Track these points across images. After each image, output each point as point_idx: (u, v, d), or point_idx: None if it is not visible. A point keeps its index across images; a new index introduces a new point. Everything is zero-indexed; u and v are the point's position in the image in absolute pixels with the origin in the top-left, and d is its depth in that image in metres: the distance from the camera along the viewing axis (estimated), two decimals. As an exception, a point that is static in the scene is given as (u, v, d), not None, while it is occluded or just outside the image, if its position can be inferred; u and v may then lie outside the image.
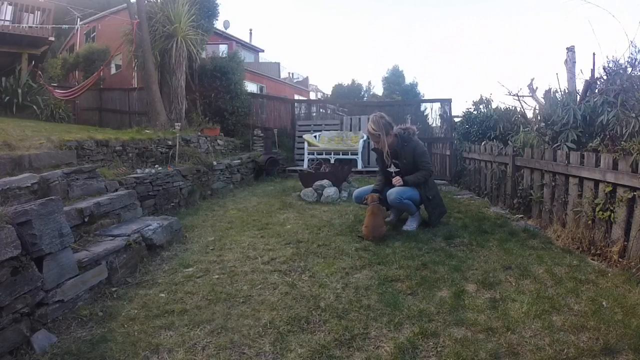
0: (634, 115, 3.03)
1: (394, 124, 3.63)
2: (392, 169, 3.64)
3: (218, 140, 7.61)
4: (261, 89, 17.74)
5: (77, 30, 15.28)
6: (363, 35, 71.89)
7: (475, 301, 2.13)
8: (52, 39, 9.71)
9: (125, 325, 1.97)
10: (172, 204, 4.67)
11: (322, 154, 7.43)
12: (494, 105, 6.46)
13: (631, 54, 3.81)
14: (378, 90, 26.85)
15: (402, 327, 1.89)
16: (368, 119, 8.75)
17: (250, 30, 36.77)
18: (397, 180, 3.55)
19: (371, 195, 3.47)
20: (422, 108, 9.44)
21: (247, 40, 21.07)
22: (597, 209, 2.90)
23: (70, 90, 9.98)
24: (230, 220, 4.07)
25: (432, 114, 8.83)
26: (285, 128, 9.38)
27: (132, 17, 8.19)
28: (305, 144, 7.66)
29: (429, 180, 3.64)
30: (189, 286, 2.42)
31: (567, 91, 4.64)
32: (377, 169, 3.80)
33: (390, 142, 3.56)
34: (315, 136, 8.15)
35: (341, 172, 5.53)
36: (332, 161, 7.04)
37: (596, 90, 4.03)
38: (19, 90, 8.03)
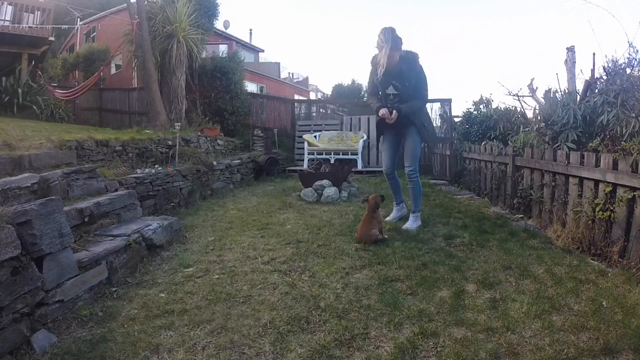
0: (634, 115, 3.03)
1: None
2: (391, 90, 3.39)
3: (218, 140, 7.61)
4: (261, 89, 17.74)
5: (77, 30, 15.27)
6: (363, 35, 71.88)
7: (475, 301, 2.13)
8: (52, 39, 9.71)
9: (125, 325, 1.97)
10: (172, 204, 4.66)
11: (322, 154, 7.43)
12: (494, 105, 6.46)
13: (629, 54, 3.82)
14: (378, 90, 26.79)
15: (402, 327, 1.89)
16: (368, 118, 8.75)
17: (250, 30, 36.66)
18: (387, 115, 3.35)
19: (373, 196, 3.42)
20: (422, 108, 9.44)
21: (247, 40, 21.07)
22: (597, 209, 2.90)
23: (70, 90, 9.98)
24: (230, 220, 4.06)
25: (432, 114, 8.83)
26: (285, 128, 9.38)
27: (132, 17, 8.19)
28: (305, 144, 7.66)
29: (424, 109, 3.59)
30: (189, 286, 2.42)
31: (567, 91, 4.64)
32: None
33: (395, 62, 3.25)
34: (315, 136, 8.16)
35: (341, 172, 5.52)
36: (332, 161, 7.04)
37: (596, 90, 4.03)
38: (19, 90, 8.03)
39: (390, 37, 3.15)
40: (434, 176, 7.45)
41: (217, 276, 2.56)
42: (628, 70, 3.80)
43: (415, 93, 3.36)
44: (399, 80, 3.31)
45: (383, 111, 3.36)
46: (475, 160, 5.74)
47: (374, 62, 3.40)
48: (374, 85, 3.53)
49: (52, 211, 2.08)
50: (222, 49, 13.58)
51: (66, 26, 13.38)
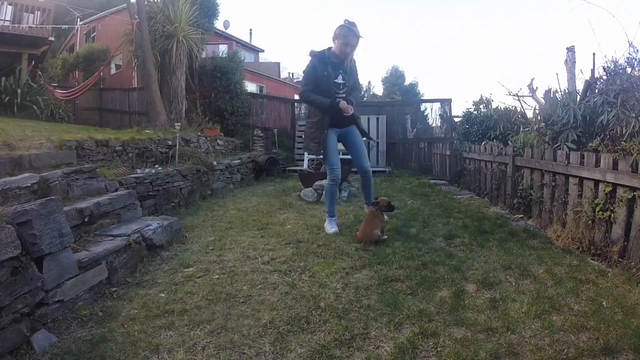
0: (634, 115, 3.03)
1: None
2: (340, 79, 3.30)
3: (218, 140, 7.61)
4: (261, 89, 17.73)
5: (77, 30, 15.27)
6: (363, 35, 71.76)
7: (475, 301, 2.13)
8: (52, 39, 9.72)
9: (125, 325, 1.97)
10: (172, 204, 4.66)
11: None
12: (494, 105, 6.48)
13: (630, 54, 3.82)
14: (378, 90, 26.84)
15: (402, 327, 1.89)
16: (368, 118, 8.72)
17: (250, 30, 36.55)
18: (349, 108, 3.22)
19: (384, 199, 3.39)
20: (422, 108, 9.46)
21: (247, 40, 21.05)
22: (597, 209, 2.90)
23: (70, 90, 9.98)
24: (230, 220, 4.06)
25: (432, 114, 8.85)
26: (285, 128, 9.38)
27: (132, 17, 8.19)
28: (305, 144, 7.65)
29: None
30: (189, 286, 2.42)
31: (567, 91, 4.64)
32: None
33: (346, 54, 3.25)
34: (315, 136, 8.14)
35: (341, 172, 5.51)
36: (332, 161, 7.02)
37: (596, 90, 4.03)
38: (19, 90, 8.03)
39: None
40: (433, 176, 7.46)
41: (217, 276, 2.56)
42: (628, 70, 3.80)
43: (355, 85, 3.45)
44: (344, 71, 3.32)
45: (344, 104, 3.22)
46: (475, 160, 5.74)
47: (322, 56, 3.28)
48: (318, 79, 3.28)
49: (52, 211, 2.08)
50: (222, 49, 13.58)
51: (66, 26, 13.37)
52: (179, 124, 6.54)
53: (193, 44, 8.17)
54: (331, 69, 3.25)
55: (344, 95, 3.32)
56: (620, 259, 2.64)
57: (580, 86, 4.60)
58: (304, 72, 3.47)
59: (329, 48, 3.30)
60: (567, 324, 1.86)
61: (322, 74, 3.25)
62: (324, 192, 3.58)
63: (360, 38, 3.24)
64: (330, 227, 3.46)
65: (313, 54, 3.32)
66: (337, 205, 4.59)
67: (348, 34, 3.17)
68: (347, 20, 3.20)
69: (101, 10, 15.26)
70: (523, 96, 5.55)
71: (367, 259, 2.77)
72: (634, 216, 2.61)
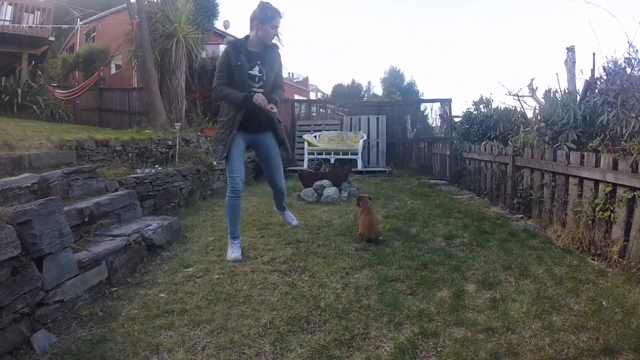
0: (634, 115, 3.03)
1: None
2: (256, 71, 2.80)
3: (218, 140, 7.60)
4: (261, 88, 17.69)
5: (77, 30, 15.27)
6: (363, 35, 71.91)
7: (475, 301, 2.13)
8: (52, 39, 9.73)
9: (125, 325, 1.97)
10: (172, 204, 4.66)
11: (322, 154, 7.43)
12: (494, 105, 6.49)
13: (629, 54, 3.82)
14: (378, 90, 26.93)
15: (402, 327, 1.89)
16: (368, 118, 8.72)
17: (250, 30, 36.50)
18: (266, 103, 2.72)
19: (362, 194, 3.38)
20: (422, 108, 9.47)
21: (247, 40, 21.02)
22: (597, 209, 2.91)
23: (70, 90, 9.98)
24: (230, 220, 4.06)
25: (432, 114, 8.87)
26: (285, 128, 9.29)
27: (132, 17, 8.20)
28: (305, 144, 7.66)
29: None
30: (189, 286, 2.42)
31: (567, 91, 4.64)
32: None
33: (257, 41, 2.81)
34: (315, 136, 8.15)
35: (341, 172, 5.53)
36: (332, 161, 7.04)
37: (596, 90, 4.03)
38: (19, 90, 8.03)
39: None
40: (433, 176, 7.46)
41: (217, 276, 2.56)
42: (628, 70, 3.80)
43: (277, 82, 2.97)
44: (263, 63, 2.83)
45: (260, 97, 2.71)
46: (475, 160, 5.75)
47: (236, 44, 2.85)
48: (231, 70, 2.79)
49: (52, 211, 2.08)
50: (222, 48, 13.58)
51: (66, 26, 13.38)
52: (179, 124, 6.53)
53: (193, 44, 8.18)
54: (245, 59, 2.76)
55: (260, 90, 2.80)
56: (620, 259, 2.64)
57: (580, 86, 4.60)
58: (217, 63, 2.94)
59: (247, 36, 2.86)
60: (567, 324, 1.86)
61: (235, 64, 2.76)
62: (226, 207, 2.95)
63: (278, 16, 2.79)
64: (231, 252, 2.85)
65: (228, 41, 2.97)
66: (337, 205, 4.60)
67: (274, 14, 2.74)
68: (262, 1, 2.77)
69: (101, 10, 15.26)
70: (523, 96, 5.56)
71: (367, 259, 2.77)
72: (634, 216, 2.61)
